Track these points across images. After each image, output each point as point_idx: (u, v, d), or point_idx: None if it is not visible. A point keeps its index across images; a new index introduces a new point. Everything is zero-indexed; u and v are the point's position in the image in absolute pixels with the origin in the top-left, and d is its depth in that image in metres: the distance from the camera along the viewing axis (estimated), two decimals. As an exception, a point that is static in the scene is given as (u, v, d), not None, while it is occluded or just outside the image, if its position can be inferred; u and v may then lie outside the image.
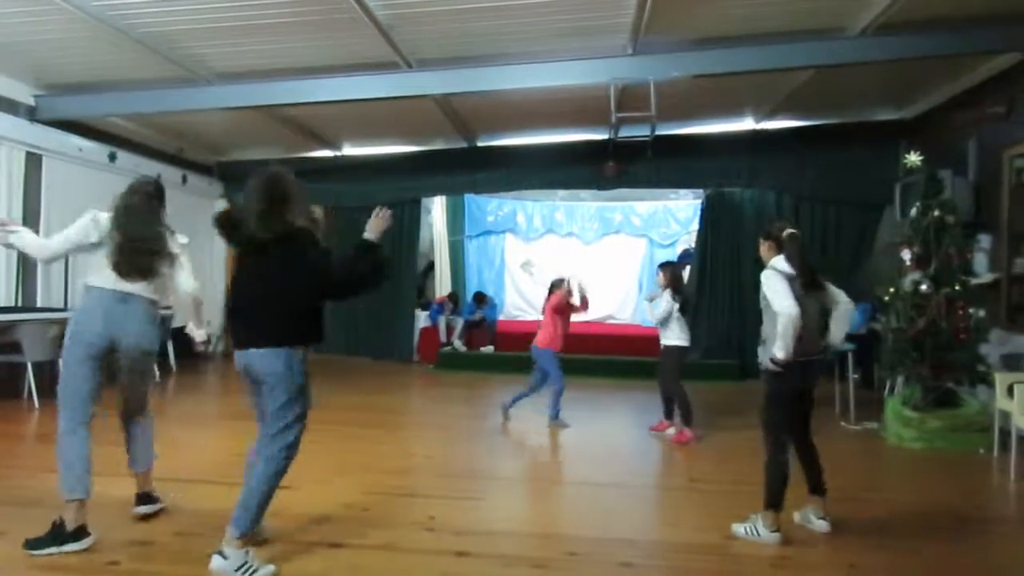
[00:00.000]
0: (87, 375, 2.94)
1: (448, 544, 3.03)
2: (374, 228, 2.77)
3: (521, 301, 11.45)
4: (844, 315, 3.35)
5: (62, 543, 2.78)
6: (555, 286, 5.76)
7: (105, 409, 3.11)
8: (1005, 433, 4.59)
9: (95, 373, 2.97)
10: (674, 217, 11.31)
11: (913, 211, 5.37)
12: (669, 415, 5.36)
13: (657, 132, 6.48)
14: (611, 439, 5.38)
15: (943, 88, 6.58)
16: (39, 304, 6.70)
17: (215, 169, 9.78)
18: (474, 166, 9.00)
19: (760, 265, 3.36)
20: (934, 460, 4.68)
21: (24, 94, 6.60)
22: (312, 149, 9.10)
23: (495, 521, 3.42)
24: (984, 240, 5.84)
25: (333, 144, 9.04)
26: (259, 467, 2.66)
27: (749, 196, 8.62)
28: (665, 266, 5.49)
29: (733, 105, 7.35)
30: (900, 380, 5.53)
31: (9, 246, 3.03)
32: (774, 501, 3.14)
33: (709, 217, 8.74)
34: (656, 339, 5.41)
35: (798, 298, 3.10)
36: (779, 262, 3.23)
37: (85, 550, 2.81)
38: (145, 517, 3.19)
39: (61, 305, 6.82)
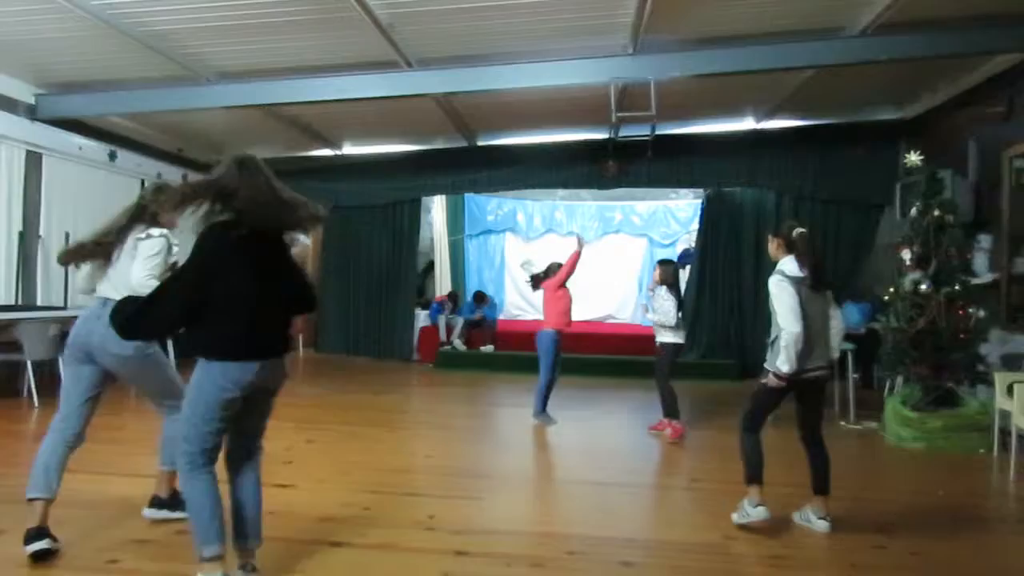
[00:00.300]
0: (74, 377, 2.95)
1: (448, 543, 3.03)
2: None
3: (521, 300, 11.43)
4: (835, 335, 3.36)
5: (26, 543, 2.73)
6: (551, 270, 5.78)
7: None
8: (1005, 433, 4.59)
9: (81, 378, 2.94)
10: (674, 217, 11.30)
11: (913, 211, 5.37)
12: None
13: (657, 132, 6.49)
14: (611, 438, 5.38)
15: (943, 88, 6.57)
16: (39, 303, 6.70)
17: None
18: (474, 165, 9.00)
19: (763, 263, 3.37)
20: (934, 460, 4.69)
21: (24, 93, 6.58)
22: (312, 148, 9.09)
23: (495, 520, 3.42)
24: (984, 240, 5.83)
25: (333, 143, 9.03)
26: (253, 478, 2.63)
27: (749, 196, 8.61)
28: (663, 263, 5.49)
29: (733, 105, 7.34)
30: (900, 380, 5.53)
31: None
32: (752, 474, 3.24)
33: (709, 217, 8.73)
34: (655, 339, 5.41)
35: (804, 303, 3.14)
36: (787, 263, 3.25)
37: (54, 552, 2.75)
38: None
39: (61, 304, 6.82)
